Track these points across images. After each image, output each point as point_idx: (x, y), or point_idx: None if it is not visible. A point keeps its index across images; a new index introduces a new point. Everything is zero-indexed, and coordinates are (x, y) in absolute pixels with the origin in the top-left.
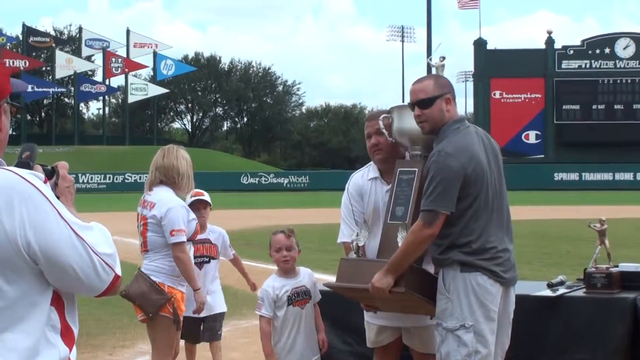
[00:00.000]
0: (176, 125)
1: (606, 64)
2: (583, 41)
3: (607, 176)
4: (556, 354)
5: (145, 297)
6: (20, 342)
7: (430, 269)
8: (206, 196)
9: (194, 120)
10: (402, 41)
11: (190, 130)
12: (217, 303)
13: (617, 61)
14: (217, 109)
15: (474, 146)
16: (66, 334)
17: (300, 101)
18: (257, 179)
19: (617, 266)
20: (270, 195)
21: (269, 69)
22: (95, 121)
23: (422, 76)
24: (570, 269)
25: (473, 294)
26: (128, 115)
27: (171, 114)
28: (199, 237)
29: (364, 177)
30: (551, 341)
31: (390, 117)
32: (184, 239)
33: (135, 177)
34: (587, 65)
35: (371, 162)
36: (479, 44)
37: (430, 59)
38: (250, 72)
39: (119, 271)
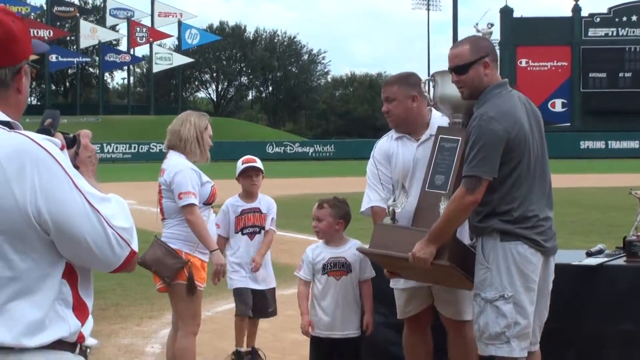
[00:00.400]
0: (201, 94)
1: (633, 32)
2: (610, 9)
3: (634, 144)
4: (597, 325)
5: (160, 262)
6: (27, 313)
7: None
8: (258, 163)
9: (219, 89)
10: (428, 9)
11: (215, 99)
12: (269, 277)
13: None
14: (242, 78)
15: (517, 110)
16: (78, 308)
17: (325, 70)
18: (283, 148)
19: None
20: (295, 164)
21: (294, 37)
22: (120, 91)
23: (460, 39)
24: (600, 237)
25: (513, 263)
26: (153, 85)
27: (196, 83)
28: (249, 205)
29: (388, 139)
30: (592, 312)
31: (433, 82)
32: (193, 200)
33: (160, 146)
34: (614, 33)
35: None
36: (505, 12)
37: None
38: (275, 41)
39: (135, 247)
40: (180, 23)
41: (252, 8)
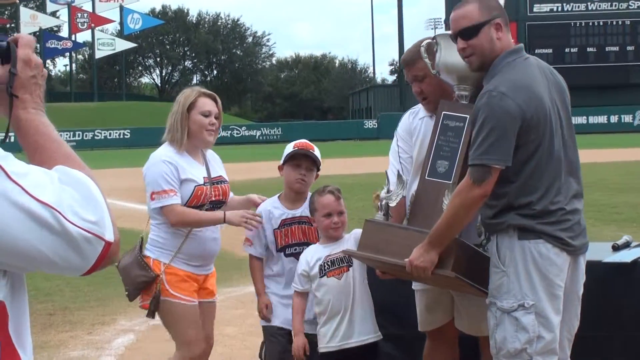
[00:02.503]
0: (145, 80)
1: (578, 7)
2: None
3: (581, 119)
4: (635, 330)
5: (126, 270)
6: None
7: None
8: (316, 152)
9: (163, 74)
10: None
11: (159, 84)
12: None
13: (588, 3)
14: (186, 62)
15: (535, 82)
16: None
17: (270, 52)
18: (229, 132)
19: None
20: (243, 148)
21: (238, 20)
22: (63, 78)
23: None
24: (618, 225)
25: (534, 266)
26: (96, 71)
27: (139, 68)
28: (294, 213)
29: (414, 114)
30: (628, 316)
31: (435, 46)
32: (170, 201)
33: (104, 133)
34: (559, 9)
35: None
36: None
37: None
38: (219, 23)
39: (110, 235)
40: (122, 8)
41: None
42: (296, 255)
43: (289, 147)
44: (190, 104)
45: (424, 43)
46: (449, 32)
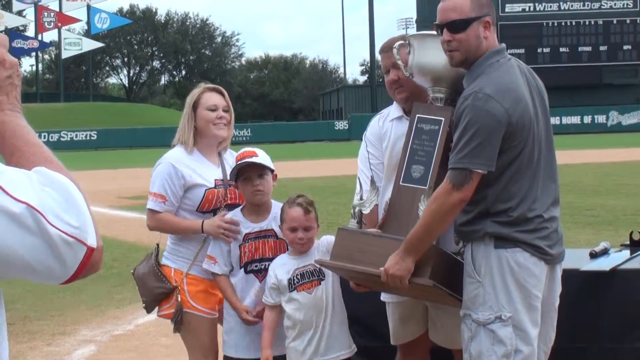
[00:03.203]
0: (112, 80)
1: (550, 7)
2: None
3: (555, 120)
4: (612, 343)
5: (143, 281)
6: None
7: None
8: (260, 157)
9: (131, 74)
10: None
11: (127, 85)
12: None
13: (560, 3)
14: (154, 63)
15: (519, 85)
16: None
17: (239, 52)
18: None
19: None
20: None
21: (207, 20)
22: (29, 78)
23: None
24: (593, 228)
25: (511, 276)
26: (62, 71)
27: (107, 68)
28: (257, 226)
29: (383, 118)
30: (605, 327)
31: (408, 47)
32: (153, 205)
33: (71, 134)
34: (531, 8)
35: (393, 102)
36: None
37: None
38: (188, 23)
39: (92, 242)
40: (89, 7)
41: None
42: (257, 273)
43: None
44: (195, 102)
45: (396, 44)
46: (422, 32)
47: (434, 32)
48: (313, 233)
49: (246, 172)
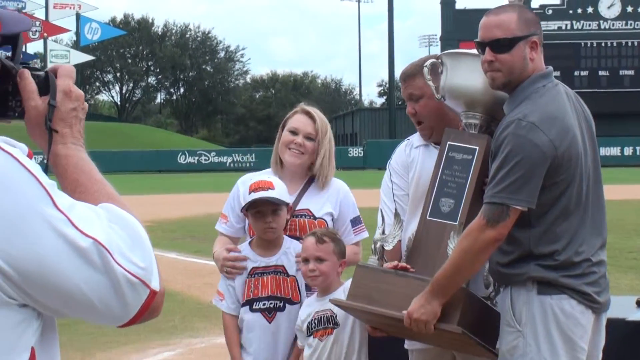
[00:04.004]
0: (103, 97)
1: (589, 25)
2: None
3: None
4: None
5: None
6: None
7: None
8: (277, 190)
9: (124, 91)
10: (359, 1)
11: (119, 102)
12: None
13: (601, 22)
14: (149, 79)
15: (567, 114)
16: None
17: (244, 69)
18: (197, 157)
19: None
20: (212, 177)
21: (209, 32)
22: None
23: (500, 5)
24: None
25: (556, 325)
26: None
27: (97, 84)
28: (266, 261)
29: (410, 145)
30: None
31: (440, 67)
32: (217, 226)
33: None
34: (568, 27)
35: None
36: (446, 3)
37: None
38: (187, 36)
39: (156, 285)
40: (78, 16)
41: None
42: (267, 313)
43: (245, 190)
44: (285, 121)
45: (428, 63)
46: (456, 50)
47: (469, 51)
48: (328, 267)
49: (259, 206)
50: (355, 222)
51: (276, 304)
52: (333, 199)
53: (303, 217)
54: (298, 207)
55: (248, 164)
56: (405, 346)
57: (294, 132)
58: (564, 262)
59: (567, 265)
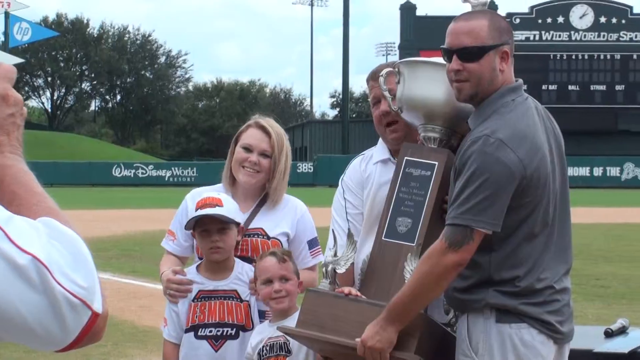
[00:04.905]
0: (33, 103)
1: (559, 36)
2: (532, 8)
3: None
4: None
5: None
6: None
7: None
8: (225, 207)
9: (55, 97)
10: (312, 5)
11: (49, 109)
12: None
13: (572, 32)
14: (83, 84)
15: (537, 132)
16: None
17: (186, 76)
18: (133, 170)
19: None
20: (149, 192)
21: (149, 35)
22: None
23: (471, 11)
24: (603, 301)
25: (515, 356)
26: None
27: (26, 89)
28: (215, 285)
29: (366, 160)
30: None
31: (397, 76)
32: (164, 243)
33: None
34: (537, 37)
35: (379, 141)
36: (407, 9)
37: None
38: (126, 39)
39: (98, 307)
40: (7, 15)
41: None
42: (213, 341)
43: (192, 207)
44: (238, 135)
45: (383, 72)
46: (414, 58)
47: (428, 59)
48: (294, 286)
49: (205, 224)
50: (312, 243)
51: (226, 331)
52: (289, 218)
53: (256, 236)
54: (251, 226)
55: (189, 179)
56: None
57: (247, 149)
58: (524, 288)
59: (528, 292)
